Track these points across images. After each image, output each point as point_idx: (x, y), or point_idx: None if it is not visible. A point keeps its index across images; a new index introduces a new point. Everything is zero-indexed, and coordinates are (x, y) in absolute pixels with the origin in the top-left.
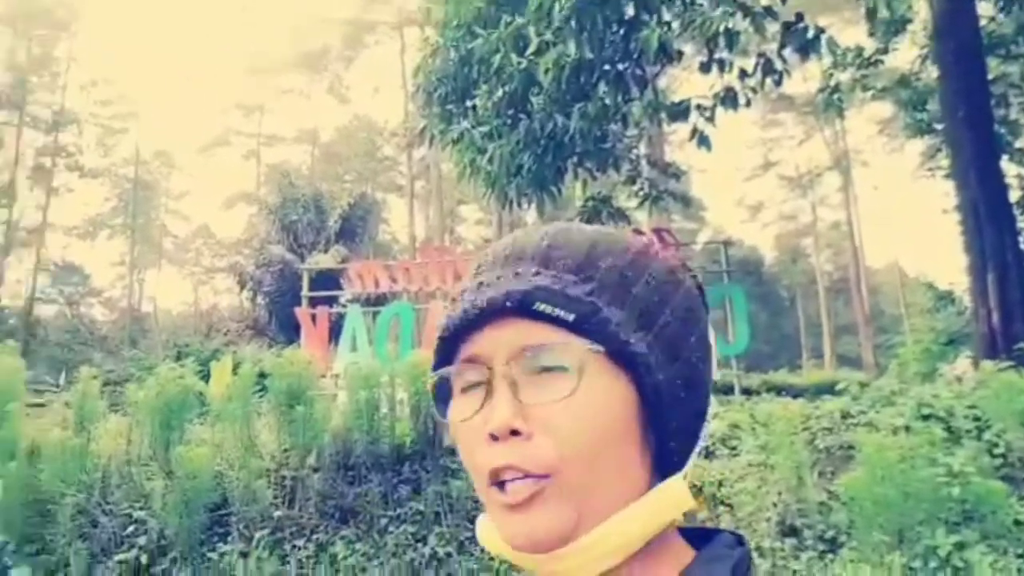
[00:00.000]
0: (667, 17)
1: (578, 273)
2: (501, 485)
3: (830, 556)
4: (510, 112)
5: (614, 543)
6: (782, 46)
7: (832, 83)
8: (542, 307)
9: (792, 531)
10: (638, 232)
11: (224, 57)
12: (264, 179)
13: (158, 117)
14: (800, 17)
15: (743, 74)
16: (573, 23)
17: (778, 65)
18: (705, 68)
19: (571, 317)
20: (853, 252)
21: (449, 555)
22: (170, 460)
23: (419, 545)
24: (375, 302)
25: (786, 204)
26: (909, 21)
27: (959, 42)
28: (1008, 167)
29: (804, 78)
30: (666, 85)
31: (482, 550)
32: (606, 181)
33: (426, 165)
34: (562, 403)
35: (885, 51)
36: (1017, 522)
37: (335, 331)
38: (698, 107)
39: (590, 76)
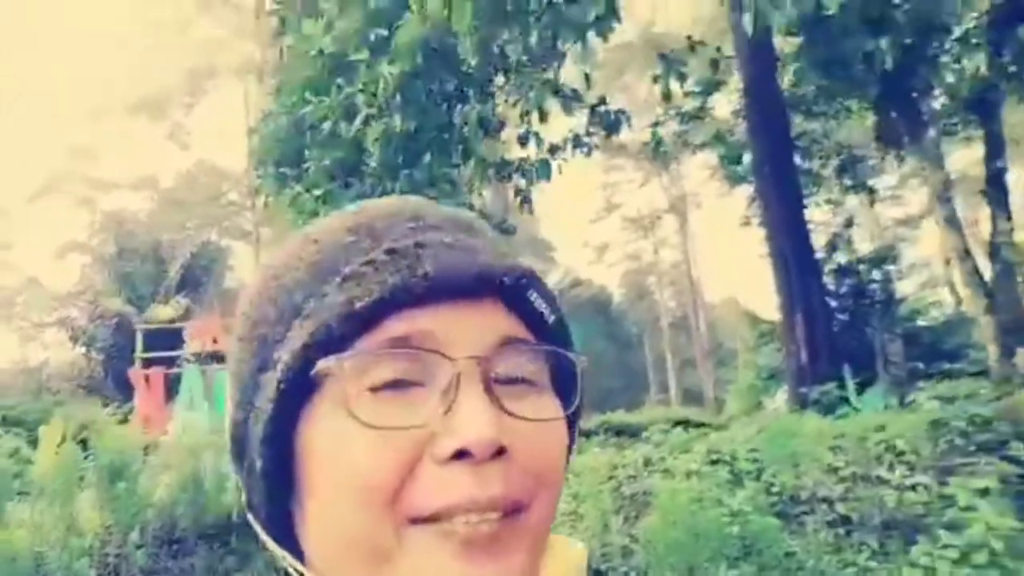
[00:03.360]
0: (489, 91)
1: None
2: (434, 517)
3: None
4: (341, 177)
5: None
6: (588, 127)
7: (655, 139)
8: (534, 297)
9: (597, 575)
10: None
11: (54, 99)
12: (99, 227)
13: None
14: (603, 100)
15: (552, 149)
16: (398, 97)
17: (586, 140)
18: (522, 140)
19: (552, 318)
20: (691, 289)
21: None
22: None
23: None
24: (219, 358)
25: (629, 245)
26: (723, 83)
27: (764, 105)
28: (817, 213)
29: (637, 128)
30: (508, 137)
31: None
32: None
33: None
34: (548, 425)
35: (702, 109)
36: (788, 553)
37: (175, 388)
38: (519, 170)
39: (416, 145)
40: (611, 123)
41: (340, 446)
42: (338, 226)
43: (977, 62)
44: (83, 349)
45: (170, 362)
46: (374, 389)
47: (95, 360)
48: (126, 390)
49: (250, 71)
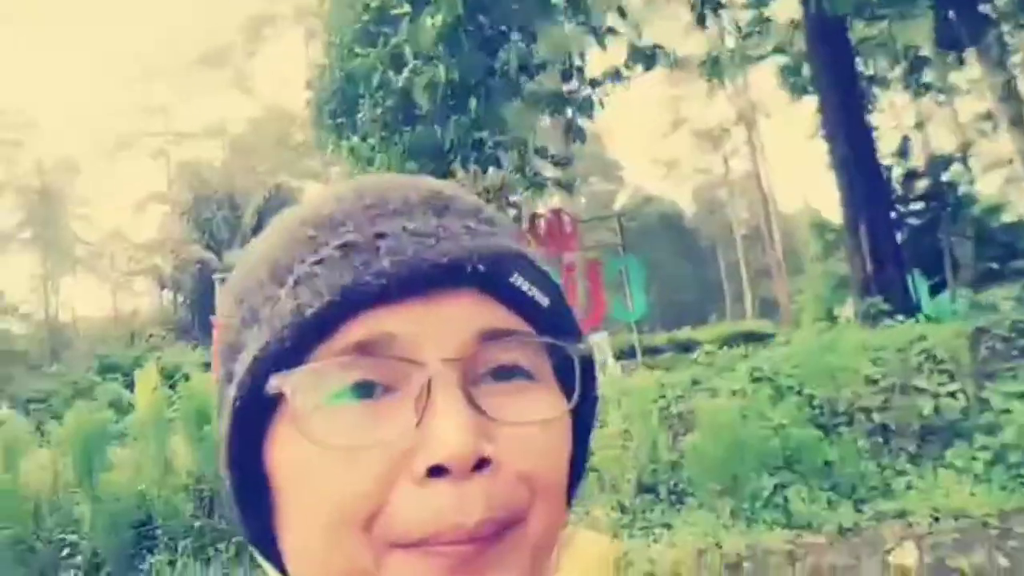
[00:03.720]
0: (530, 31)
1: (521, 241)
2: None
3: (679, 506)
4: (394, 125)
5: None
6: (627, 62)
7: (711, 59)
8: (519, 281)
9: (648, 488)
10: (537, 216)
11: (121, 58)
12: (174, 178)
13: (57, 125)
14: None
15: (593, 83)
16: (441, 47)
17: (625, 73)
18: (566, 76)
19: (545, 302)
20: (763, 200)
21: None
22: (94, 486)
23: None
24: None
25: (699, 159)
26: None
27: (821, 12)
28: (880, 118)
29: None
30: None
31: None
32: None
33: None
34: (543, 426)
35: (761, 21)
36: (826, 462)
37: None
38: (567, 103)
39: (463, 91)
40: (647, 58)
41: (304, 471)
42: (297, 217)
43: None
44: (170, 295)
45: None
46: (335, 404)
47: (182, 305)
48: (212, 334)
49: (308, 15)
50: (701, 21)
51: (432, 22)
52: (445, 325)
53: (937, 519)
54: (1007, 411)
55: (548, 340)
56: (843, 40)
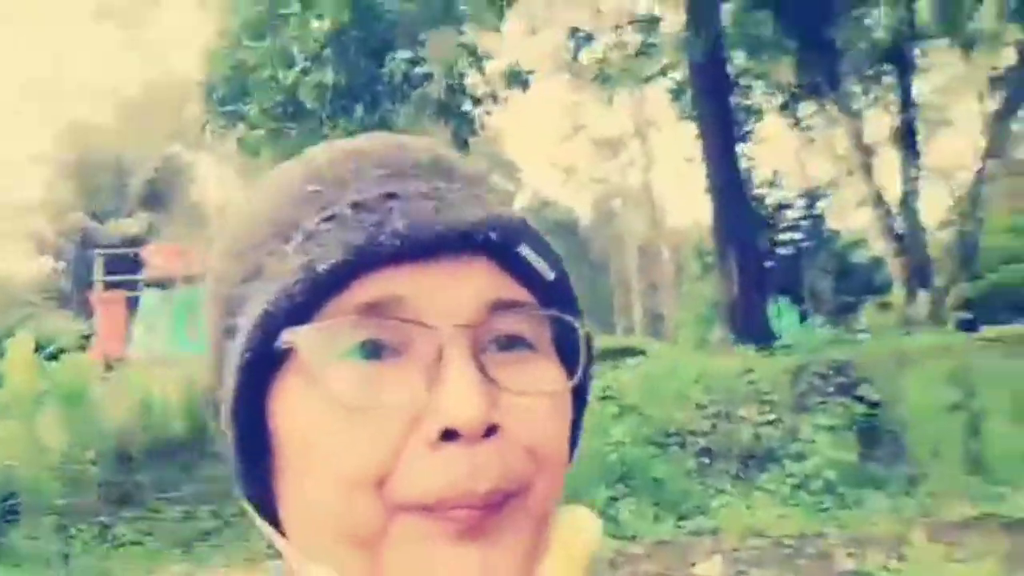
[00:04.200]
0: (420, 40)
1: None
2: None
3: None
4: (281, 119)
5: None
6: (505, 82)
7: (603, 72)
8: (526, 252)
9: None
10: None
11: (15, 4)
12: (61, 138)
13: None
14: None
15: (476, 101)
16: (329, 51)
17: (502, 95)
18: (451, 89)
19: (551, 275)
20: (653, 213)
21: (217, 529)
22: None
23: (190, 522)
24: (186, 280)
25: (597, 166)
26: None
27: (704, 41)
28: (760, 148)
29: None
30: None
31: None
32: None
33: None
34: (547, 398)
35: (651, 45)
36: (656, 479)
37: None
38: (451, 115)
39: (348, 96)
40: (521, 81)
41: (316, 428)
42: (298, 174)
43: (894, 18)
44: (51, 262)
45: (131, 285)
46: (347, 362)
47: (62, 273)
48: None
49: None
50: (575, 55)
51: (319, 25)
52: (456, 291)
53: (745, 537)
54: (813, 442)
55: (555, 314)
56: (722, 71)
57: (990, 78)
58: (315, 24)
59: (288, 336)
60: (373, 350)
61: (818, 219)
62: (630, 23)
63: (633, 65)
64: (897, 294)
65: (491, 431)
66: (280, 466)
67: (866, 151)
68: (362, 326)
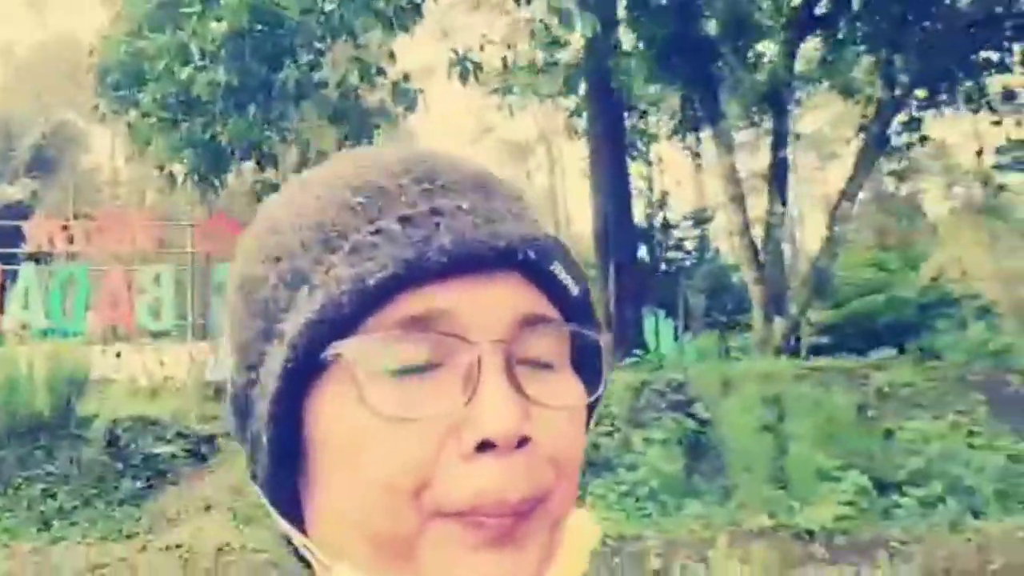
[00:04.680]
0: (306, 59)
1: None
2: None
3: None
4: (174, 112)
5: None
6: (393, 99)
7: (506, 85)
8: (558, 270)
9: None
10: None
11: None
12: None
13: None
14: (406, 77)
15: (368, 114)
16: (224, 52)
17: (393, 112)
18: (343, 95)
19: (576, 291)
20: (556, 218)
21: (75, 507)
22: None
23: (50, 500)
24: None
25: (504, 170)
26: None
27: (601, 64)
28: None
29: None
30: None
31: (109, 503)
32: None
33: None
34: (569, 411)
35: (555, 64)
36: None
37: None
38: (346, 121)
39: (242, 97)
40: (410, 100)
41: (357, 437)
42: (343, 183)
43: (776, 61)
44: None
45: (9, 259)
46: (391, 374)
47: None
48: None
49: None
50: (463, 78)
51: (217, 26)
52: (493, 306)
53: None
54: (644, 453)
55: (579, 329)
56: (617, 95)
57: (860, 124)
58: (213, 25)
59: (336, 347)
60: (417, 364)
61: (703, 239)
62: (533, 38)
63: (536, 81)
64: (756, 318)
65: (523, 443)
66: (312, 470)
67: (736, 183)
68: (407, 339)
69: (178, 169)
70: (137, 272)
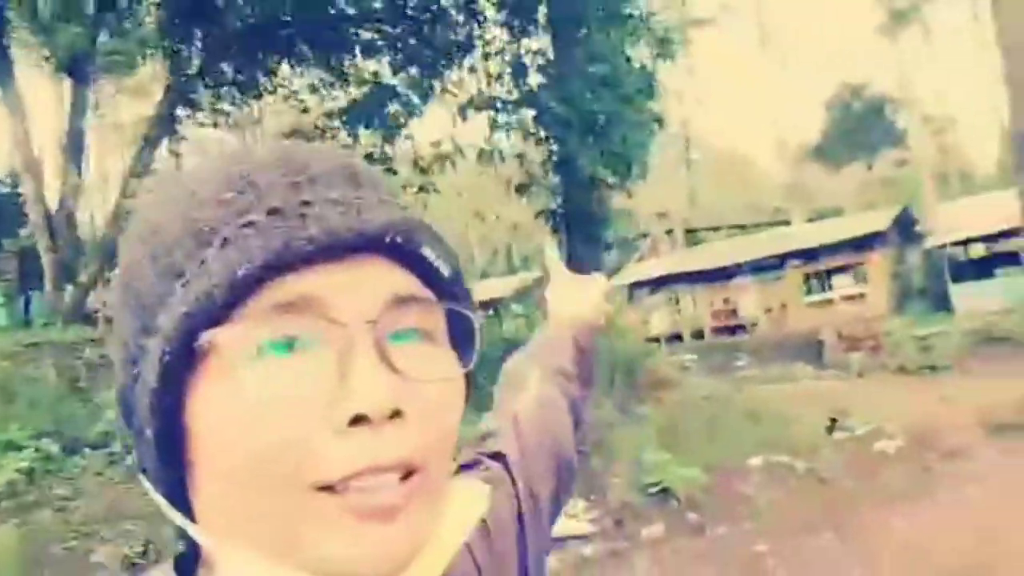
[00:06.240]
0: None
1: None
2: (331, 487)
3: None
4: None
5: (445, 554)
6: None
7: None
8: (426, 251)
9: None
10: None
11: None
12: None
13: None
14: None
15: None
16: None
17: None
18: None
19: (447, 272)
20: None
21: None
22: None
23: None
24: None
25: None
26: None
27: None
28: None
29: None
30: None
31: None
32: None
33: None
34: (443, 385)
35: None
36: None
37: None
38: None
39: None
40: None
41: (233, 420)
42: (216, 178)
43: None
44: None
45: None
46: (262, 359)
47: None
48: None
49: None
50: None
51: None
52: (361, 288)
53: None
54: None
55: (451, 306)
56: None
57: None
58: None
59: (208, 336)
60: (286, 347)
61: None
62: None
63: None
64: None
65: (395, 415)
66: (196, 458)
67: (29, 150)
68: (276, 324)
69: None
70: None
